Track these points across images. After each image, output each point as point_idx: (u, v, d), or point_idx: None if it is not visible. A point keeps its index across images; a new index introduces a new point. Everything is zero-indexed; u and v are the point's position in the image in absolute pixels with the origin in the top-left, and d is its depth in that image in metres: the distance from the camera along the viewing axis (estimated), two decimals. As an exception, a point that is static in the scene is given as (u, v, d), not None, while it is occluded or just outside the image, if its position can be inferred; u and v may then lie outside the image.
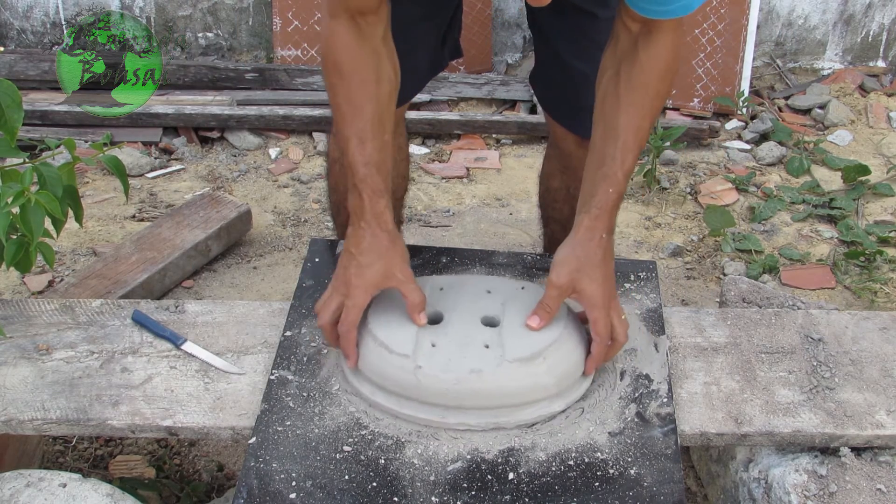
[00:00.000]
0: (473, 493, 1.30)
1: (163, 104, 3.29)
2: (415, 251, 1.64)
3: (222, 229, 2.61)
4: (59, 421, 1.43)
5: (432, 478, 1.32)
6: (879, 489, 1.41)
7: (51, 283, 2.49)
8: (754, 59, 3.54)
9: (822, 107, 3.57)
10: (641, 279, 1.73)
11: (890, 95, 3.68)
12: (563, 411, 1.43)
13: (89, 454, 1.95)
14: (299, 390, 1.46)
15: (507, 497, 1.29)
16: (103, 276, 2.36)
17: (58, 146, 1.65)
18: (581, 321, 1.50)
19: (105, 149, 1.66)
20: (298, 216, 2.88)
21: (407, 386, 1.39)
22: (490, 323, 1.47)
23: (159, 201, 2.92)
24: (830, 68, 3.84)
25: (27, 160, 1.57)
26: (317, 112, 3.32)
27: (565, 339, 1.44)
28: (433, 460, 1.35)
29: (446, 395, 1.38)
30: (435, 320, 1.47)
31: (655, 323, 1.62)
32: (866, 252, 2.68)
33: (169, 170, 3.09)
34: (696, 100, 3.53)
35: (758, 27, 3.53)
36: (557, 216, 2.07)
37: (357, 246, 1.44)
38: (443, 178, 3.12)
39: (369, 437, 1.38)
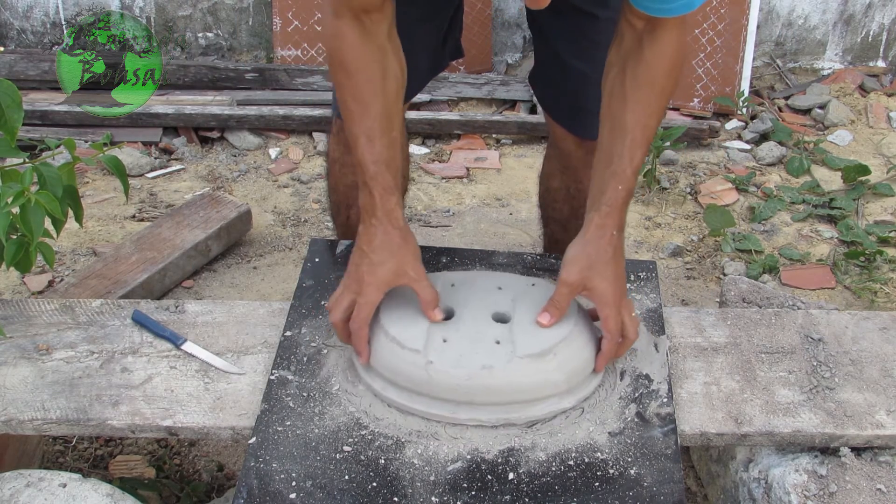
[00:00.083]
0: (473, 493, 1.30)
1: (163, 104, 3.29)
2: (415, 251, 1.64)
3: (222, 229, 2.61)
4: (59, 421, 1.43)
5: (432, 478, 1.32)
6: (879, 489, 1.41)
7: (51, 283, 2.49)
8: (754, 59, 3.54)
9: (822, 107, 3.57)
10: (641, 279, 1.73)
11: (890, 95, 3.68)
12: (573, 408, 1.43)
13: (89, 454, 1.95)
14: (299, 390, 1.46)
15: (507, 497, 1.29)
16: (103, 276, 2.36)
17: (58, 146, 1.65)
18: (591, 318, 1.51)
19: (105, 149, 1.66)
20: (298, 216, 2.88)
21: (418, 381, 1.39)
22: (501, 319, 1.47)
23: (159, 201, 2.92)
24: (830, 68, 3.84)
25: (27, 160, 1.57)
26: (317, 112, 3.32)
27: (576, 336, 1.44)
28: (433, 460, 1.35)
29: (457, 390, 1.38)
30: (446, 316, 1.47)
31: (655, 323, 1.62)
32: (866, 252, 2.68)
33: (169, 170, 3.09)
34: (696, 100, 3.53)
35: (758, 27, 3.53)
36: (557, 216, 2.07)
37: (369, 243, 1.45)
38: (443, 178, 3.12)
39: (369, 438, 1.38)
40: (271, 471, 1.32)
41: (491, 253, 1.80)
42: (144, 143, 3.20)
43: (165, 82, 3.38)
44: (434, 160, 3.24)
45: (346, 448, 1.36)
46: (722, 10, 3.44)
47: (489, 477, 1.32)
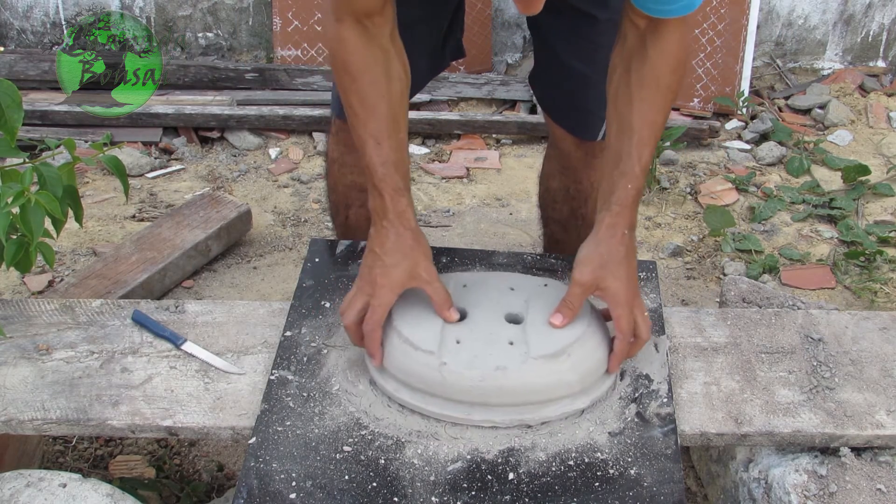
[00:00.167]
0: (473, 493, 1.30)
1: (163, 104, 3.29)
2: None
3: (222, 229, 2.61)
4: (59, 421, 1.43)
5: (432, 478, 1.32)
6: (879, 489, 1.41)
7: (51, 283, 2.49)
8: (754, 59, 3.55)
9: (822, 107, 3.57)
10: (641, 279, 1.73)
11: (890, 95, 3.68)
12: (588, 408, 1.43)
13: (89, 454, 1.95)
14: (299, 390, 1.46)
15: (507, 497, 1.29)
16: (103, 276, 2.36)
17: (58, 146, 1.65)
18: (604, 318, 1.51)
19: (105, 149, 1.66)
20: (298, 216, 2.88)
21: (432, 382, 1.39)
22: (514, 320, 1.47)
23: (159, 201, 2.92)
24: (830, 68, 3.84)
25: (27, 160, 1.57)
26: (317, 112, 3.32)
27: (589, 337, 1.44)
28: (433, 460, 1.35)
29: (471, 391, 1.38)
30: (459, 317, 1.47)
31: (655, 323, 1.62)
32: (866, 252, 2.68)
33: (169, 170, 3.09)
34: (696, 100, 3.53)
35: (758, 27, 3.53)
36: (557, 216, 2.07)
37: (381, 246, 1.44)
38: (443, 178, 3.12)
39: (369, 438, 1.38)
40: (271, 471, 1.32)
41: (491, 253, 1.80)
42: (144, 143, 3.20)
43: (165, 82, 3.38)
44: (434, 160, 3.24)
45: (346, 448, 1.36)
46: (722, 10, 3.44)
47: (489, 477, 1.32)
